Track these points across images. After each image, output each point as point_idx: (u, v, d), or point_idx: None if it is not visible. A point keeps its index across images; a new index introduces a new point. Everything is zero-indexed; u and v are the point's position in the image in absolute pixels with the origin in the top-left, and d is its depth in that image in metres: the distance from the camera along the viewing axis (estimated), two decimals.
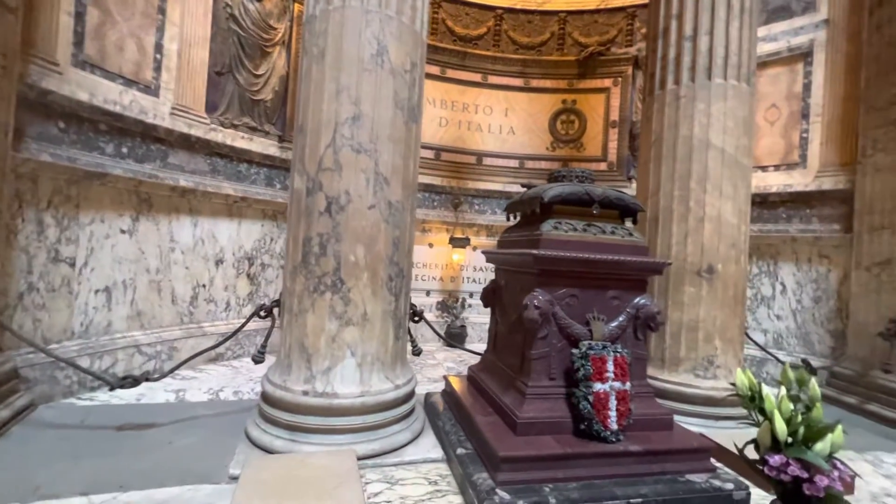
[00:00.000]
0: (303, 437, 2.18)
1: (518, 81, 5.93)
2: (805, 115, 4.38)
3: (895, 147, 3.54)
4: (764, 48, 4.47)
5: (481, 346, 3.17)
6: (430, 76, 5.63)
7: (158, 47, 3.48)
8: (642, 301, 2.29)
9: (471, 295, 5.46)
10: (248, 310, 4.14)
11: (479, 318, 5.27)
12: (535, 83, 5.95)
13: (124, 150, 3.23)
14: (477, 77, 5.87)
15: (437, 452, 2.32)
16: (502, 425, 2.15)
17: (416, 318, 2.84)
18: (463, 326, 5.10)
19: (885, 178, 3.61)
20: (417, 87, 2.61)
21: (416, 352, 2.89)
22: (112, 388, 2.40)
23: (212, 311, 3.95)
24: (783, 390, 1.24)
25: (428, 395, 2.98)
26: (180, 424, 2.53)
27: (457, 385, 2.79)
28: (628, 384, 2.09)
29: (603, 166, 5.74)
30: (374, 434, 2.24)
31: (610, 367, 2.06)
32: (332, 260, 2.29)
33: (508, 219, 2.80)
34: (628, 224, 2.54)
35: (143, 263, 3.38)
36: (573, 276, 2.23)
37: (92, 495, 1.79)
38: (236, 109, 4.15)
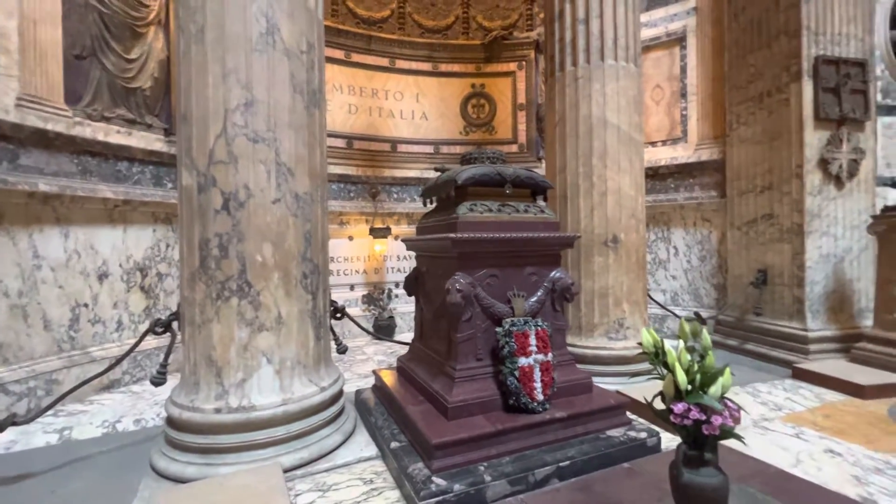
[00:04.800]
0: (219, 459, 1.98)
1: (427, 66, 5.87)
2: (684, 94, 4.87)
3: (754, 121, 4.07)
4: (647, 33, 4.87)
5: (411, 336, 3.14)
6: (334, 60, 5.36)
7: None
8: (558, 274, 2.39)
9: (396, 285, 5.39)
10: (145, 327, 3.67)
11: (407, 308, 5.22)
12: (443, 67, 5.93)
13: None
14: (384, 62, 5.70)
15: (371, 450, 2.25)
16: (434, 412, 2.14)
17: (339, 315, 2.72)
18: (391, 318, 5.02)
19: (747, 149, 4.14)
20: (317, 69, 2.44)
21: (342, 350, 2.77)
22: None
23: (99, 332, 3.45)
24: (681, 343, 1.36)
25: (358, 392, 2.88)
26: (66, 469, 2.18)
27: (387, 378, 2.73)
28: (550, 355, 2.18)
29: (514, 148, 5.92)
30: (301, 442, 2.11)
31: (532, 340, 2.14)
32: (236, 262, 2.08)
33: (425, 204, 2.77)
34: (540, 202, 2.63)
35: None
36: (492, 256, 2.26)
37: None
38: (106, 99, 3.60)
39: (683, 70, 4.87)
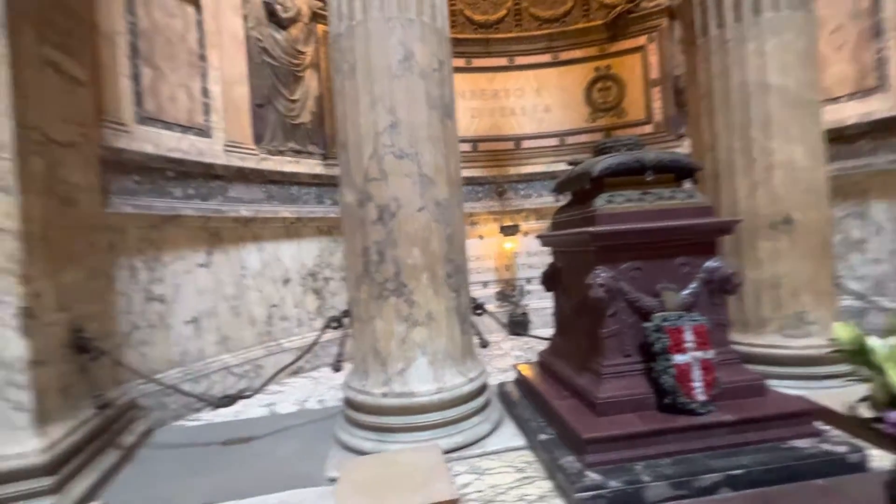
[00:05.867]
0: (388, 437, 2.28)
1: (546, 57, 5.76)
2: (878, 33, 3.89)
3: None
4: None
5: (545, 332, 3.15)
6: (456, 69, 5.58)
7: (205, 91, 3.74)
8: (715, 264, 2.17)
9: (528, 281, 5.40)
10: (317, 323, 4.37)
11: (539, 304, 5.19)
12: (564, 56, 5.75)
13: (190, 191, 3.52)
14: (503, 61, 5.76)
15: (519, 440, 2.34)
16: (581, 407, 2.13)
17: (479, 311, 2.87)
18: (524, 314, 5.06)
19: None
20: (447, 84, 2.62)
21: (483, 344, 2.92)
22: (215, 408, 2.64)
23: (286, 327, 4.21)
24: (892, 340, 1.13)
25: (501, 385, 3.00)
26: (276, 435, 2.74)
27: (528, 372, 2.80)
28: (711, 352, 1.99)
29: (648, 129, 5.44)
30: (454, 428, 2.30)
31: (688, 336, 1.98)
32: (391, 265, 2.36)
33: (558, 199, 2.75)
34: (687, 185, 2.41)
35: (221, 292, 3.67)
36: (635, 248, 2.15)
37: None
38: (280, 136, 4.38)
39: (876, 1, 3.89)
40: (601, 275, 2.08)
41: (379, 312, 2.38)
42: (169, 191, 3.38)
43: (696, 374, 1.94)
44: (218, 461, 2.45)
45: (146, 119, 3.28)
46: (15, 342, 1.94)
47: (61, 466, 2.00)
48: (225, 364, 3.59)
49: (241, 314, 3.83)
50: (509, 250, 5.47)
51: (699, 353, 1.97)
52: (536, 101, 5.78)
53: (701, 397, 1.93)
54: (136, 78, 3.22)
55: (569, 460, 1.90)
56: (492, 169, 5.65)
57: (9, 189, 1.96)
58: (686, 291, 2.13)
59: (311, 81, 4.67)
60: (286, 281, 4.25)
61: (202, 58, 3.75)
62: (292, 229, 4.34)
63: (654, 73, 5.40)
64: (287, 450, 2.52)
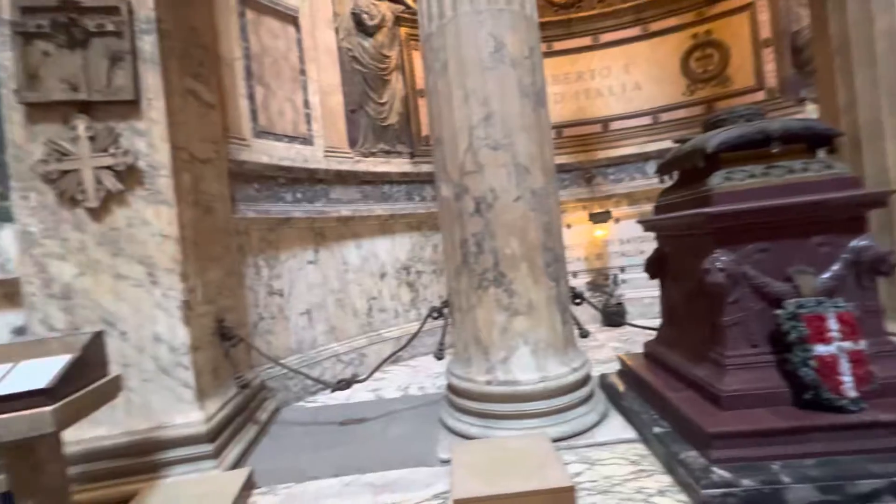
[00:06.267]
0: (494, 424, 2.33)
1: (634, 31, 5.39)
2: None
3: None
4: None
5: (644, 322, 2.98)
6: None
7: (306, 103, 4.08)
8: (863, 243, 1.90)
9: (622, 269, 5.14)
10: (412, 314, 4.60)
11: (635, 294, 4.93)
12: (654, 27, 5.33)
13: (299, 195, 3.87)
14: (587, 41, 5.50)
15: (630, 433, 2.26)
16: (700, 400, 2.00)
17: (578, 301, 2.80)
18: (620, 304, 4.83)
19: None
20: (538, 70, 2.58)
21: (584, 334, 2.84)
22: (332, 391, 2.90)
23: (385, 319, 4.47)
24: None
25: (603, 377, 2.91)
26: (386, 418, 2.93)
27: (634, 363, 2.68)
28: (862, 343, 1.75)
29: (760, 95, 4.85)
30: (560, 417, 2.29)
31: (832, 325, 1.76)
32: (490, 256, 2.40)
33: (662, 181, 2.59)
34: (821, 155, 2.13)
35: (328, 286, 4.01)
36: (759, 228, 1.96)
37: (340, 476, 2.21)
38: (371, 139, 4.63)
39: None
40: (721, 258, 1.92)
41: (479, 302, 2.43)
42: (282, 196, 3.75)
43: (845, 367, 1.72)
44: (338, 438, 2.69)
45: (261, 133, 3.67)
46: (180, 330, 2.32)
47: (217, 436, 2.34)
48: (334, 352, 3.91)
49: (345, 306, 4.14)
50: (600, 238, 5.24)
51: (847, 344, 1.74)
52: (625, 79, 5.44)
53: (851, 393, 1.70)
54: (251, 97, 3.61)
55: (691, 455, 1.79)
56: (578, 154, 5.44)
57: (169, 202, 2.33)
58: (826, 275, 1.89)
59: (396, 84, 4.86)
60: (383, 275, 4.50)
61: (302, 72, 4.08)
62: (386, 226, 4.58)
63: (766, 33, 4.79)
64: (396, 431, 2.69)
